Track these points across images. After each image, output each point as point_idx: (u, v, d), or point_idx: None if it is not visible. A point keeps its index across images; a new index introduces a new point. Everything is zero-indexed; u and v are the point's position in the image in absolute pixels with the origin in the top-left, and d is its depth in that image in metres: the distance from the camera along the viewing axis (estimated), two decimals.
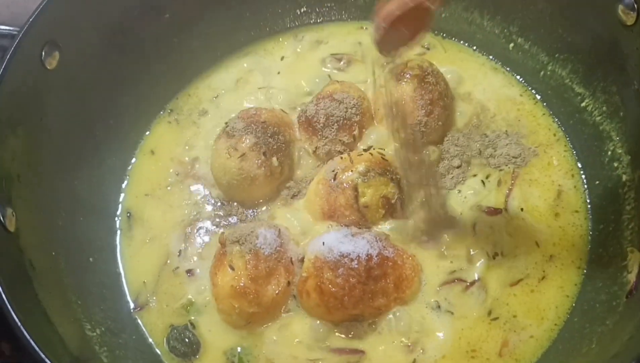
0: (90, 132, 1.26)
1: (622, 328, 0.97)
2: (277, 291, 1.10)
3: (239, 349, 1.12)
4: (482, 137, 1.30)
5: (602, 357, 0.94)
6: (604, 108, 1.22)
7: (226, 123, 1.25)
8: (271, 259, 1.09)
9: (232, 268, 1.08)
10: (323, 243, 1.10)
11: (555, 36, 1.30)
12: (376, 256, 1.08)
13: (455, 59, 1.44)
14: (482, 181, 1.24)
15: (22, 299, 0.95)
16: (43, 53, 1.11)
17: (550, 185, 1.24)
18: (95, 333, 1.07)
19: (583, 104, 1.26)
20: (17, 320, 0.89)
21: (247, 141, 1.18)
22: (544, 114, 1.33)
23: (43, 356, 0.87)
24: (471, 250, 1.16)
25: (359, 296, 1.07)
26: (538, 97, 1.35)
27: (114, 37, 1.25)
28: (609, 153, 1.19)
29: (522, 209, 1.21)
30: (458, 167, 1.26)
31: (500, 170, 1.25)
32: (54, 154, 1.17)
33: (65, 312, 1.06)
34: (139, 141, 1.36)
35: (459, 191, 1.23)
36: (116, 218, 1.28)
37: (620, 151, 1.17)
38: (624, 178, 1.15)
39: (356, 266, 1.06)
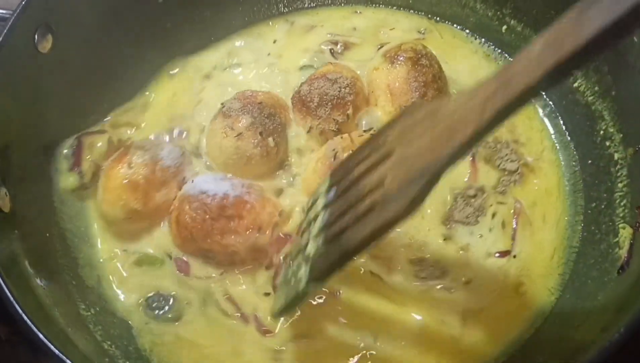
0: (84, 116, 1.26)
1: (612, 303, 0.97)
2: (163, 200, 1.17)
3: None
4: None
5: (593, 331, 0.94)
6: (596, 88, 1.22)
7: (222, 104, 1.25)
8: (167, 172, 1.18)
9: (130, 166, 1.15)
10: (192, 181, 1.17)
11: (547, 17, 1.25)
12: (233, 197, 1.13)
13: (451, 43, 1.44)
14: (489, 229, 1.19)
15: (18, 280, 0.95)
16: (36, 37, 1.12)
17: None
18: (89, 313, 1.08)
19: (575, 85, 1.26)
20: (14, 301, 0.89)
21: (244, 121, 1.20)
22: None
23: (41, 336, 0.87)
24: None
25: (207, 231, 1.11)
26: None
27: (107, 21, 1.25)
28: (601, 132, 1.20)
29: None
30: (473, 196, 1.22)
31: (500, 203, 1.21)
32: (48, 137, 1.17)
33: (61, 293, 1.06)
34: None
35: (481, 236, 1.18)
36: None
37: (612, 130, 1.17)
38: (616, 156, 1.15)
39: (209, 202, 1.12)
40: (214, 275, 1.15)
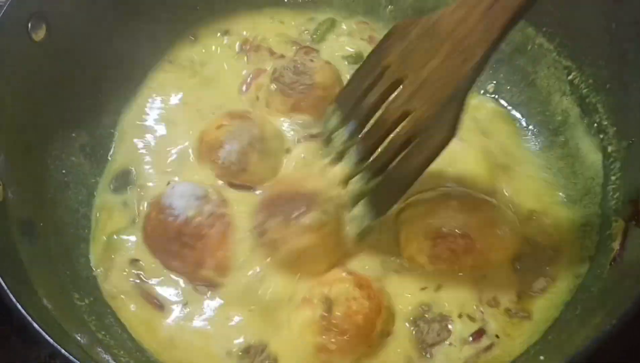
0: (77, 106, 1.25)
1: (606, 295, 0.98)
2: None
3: None
4: None
5: (586, 323, 0.95)
6: (591, 81, 1.22)
7: None
8: None
9: None
10: (173, 187, 1.15)
11: (543, 10, 1.30)
12: (195, 224, 1.09)
13: None
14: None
15: (11, 270, 0.95)
16: (30, 25, 1.11)
17: None
18: (83, 303, 1.07)
19: (570, 78, 1.27)
20: (8, 291, 0.88)
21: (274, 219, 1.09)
22: None
23: (37, 327, 0.86)
24: None
25: (164, 249, 1.11)
26: None
27: (102, 10, 1.25)
28: (595, 125, 1.20)
29: None
30: (428, 311, 1.05)
31: None
32: (41, 126, 1.17)
33: (54, 283, 1.06)
34: None
35: (450, 344, 1.03)
36: None
37: (606, 123, 1.18)
38: (609, 149, 1.16)
39: (172, 221, 1.09)
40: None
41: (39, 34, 1.13)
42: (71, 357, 0.83)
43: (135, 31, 1.33)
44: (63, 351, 0.84)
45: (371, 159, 1.03)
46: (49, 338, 0.85)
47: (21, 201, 1.07)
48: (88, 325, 1.04)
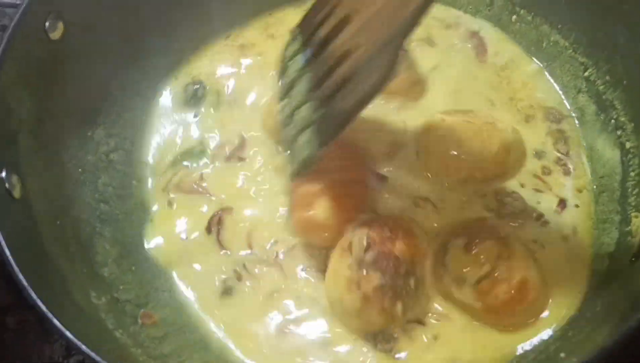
0: (94, 105, 1.26)
1: (626, 292, 0.97)
2: None
3: None
4: None
5: (606, 320, 0.94)
6: (607, 77, 1.22)
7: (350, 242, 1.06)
8: None
9: None
10: None
11: (558, 7, 1.30)
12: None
13: None
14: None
15: (30, 266, 0.94)
16: (47, 24, 1.11)
17: None
18: (101, 301, 1.07)
19: (586, 74, 1.26)
20: (30, 289, 0.89)
21: (374, 281, 1.01)
22: None
23: (57, 323, 0.87)
24: None
25: None
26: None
27: (120, 10, 1.25)
28: (612, 121, 1.20)
29: None
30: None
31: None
32: (58, 125, 1.16)
33: (72, 280, 1.05)
34: None
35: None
36: None
37: (623, 119, 1.17)
38: (628, 145, 1.15)
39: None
40: None
41: (56, 33, 1.13)
42: (92, 354, 0.83)
43: (154, 33, 1.33)
44: (84, 347, 0.84)
45: (320, 89, 1.02)
46: (69, 334, 0.85)
47: (39, 199, 1.07)
48: (105, 323, 1.04)
